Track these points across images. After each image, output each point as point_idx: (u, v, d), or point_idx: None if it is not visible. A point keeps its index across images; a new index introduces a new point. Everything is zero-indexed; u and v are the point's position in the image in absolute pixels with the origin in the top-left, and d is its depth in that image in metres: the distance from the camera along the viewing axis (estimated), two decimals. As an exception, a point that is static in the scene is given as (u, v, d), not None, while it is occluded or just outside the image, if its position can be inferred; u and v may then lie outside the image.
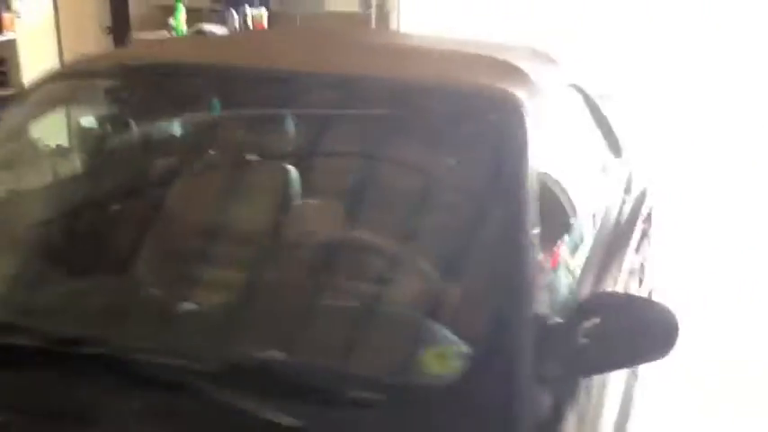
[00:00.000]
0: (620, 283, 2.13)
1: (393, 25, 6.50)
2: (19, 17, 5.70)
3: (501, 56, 2.36)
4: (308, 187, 2.00)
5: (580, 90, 2.66)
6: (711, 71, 6.38)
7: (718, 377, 3.42)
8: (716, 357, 3.56)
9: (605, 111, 2.87)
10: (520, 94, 1.99)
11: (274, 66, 1.99)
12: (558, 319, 1.63)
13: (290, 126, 2.11)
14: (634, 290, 2.32)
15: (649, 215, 2.95)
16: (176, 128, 2.19)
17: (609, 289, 1.97)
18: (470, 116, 1.92)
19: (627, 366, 1.77)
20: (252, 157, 2.14)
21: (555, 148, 2.28)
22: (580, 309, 1.64)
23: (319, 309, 1.61)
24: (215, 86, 2.04)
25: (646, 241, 2.74)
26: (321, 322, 1.56)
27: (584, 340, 1.59)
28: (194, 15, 6.45)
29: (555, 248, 1.98)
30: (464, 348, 1.53)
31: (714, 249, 4.70)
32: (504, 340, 1.53)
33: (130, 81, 2.15)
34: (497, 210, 1.74)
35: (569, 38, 5.91)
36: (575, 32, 6.17)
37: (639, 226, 2.69)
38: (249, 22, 5.72)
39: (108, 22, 6.85)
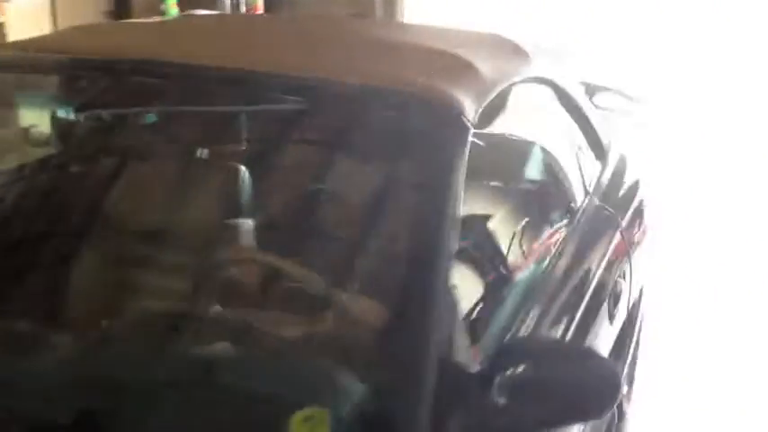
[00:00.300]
0: (579, 315, 1.84)
1: (399, 9, 6.21)
2: (7, 3, 5.52)
3: (455, 47, 2.08)
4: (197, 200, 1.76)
5: (552, 85, 2.36)
6: (728, 72, 6.03)
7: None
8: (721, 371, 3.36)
9: (587, 108, 2.57)
10: (459, 93, 1.71)
11: (171, 59, 1.74)
12: (472, 370, 1.36)
13: (185, 126, 1.88)
14: (599, 325, 2.02)
15: (639, 224, 2.64)
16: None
17: (555, 327, 1.69)
18: (392, 120, 1.65)
19: (553, 428, 1.49)
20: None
21: (504, 153, 2.00)
22: (500, 358, 1.37)
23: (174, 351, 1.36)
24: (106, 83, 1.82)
25: (627, 258, 2.43)
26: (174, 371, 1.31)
27: (500, 397, 1.32)
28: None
29: (490, 276, 1.71)
30: (348, 407, 1.27)
31: (723, 260, 4.38)
32: (396, 398, 1.26)
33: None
34: (411, 233, 1.47)
35: (581, 32, 5.61)
36: (587, 27, 5.85)
37: (620, 239, 2.38)
38: (242, 8, 5.49)
39: (108, 6, 6.68)
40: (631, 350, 2.84)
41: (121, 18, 6.63)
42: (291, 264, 1.50)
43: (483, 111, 1.77)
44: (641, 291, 2.85)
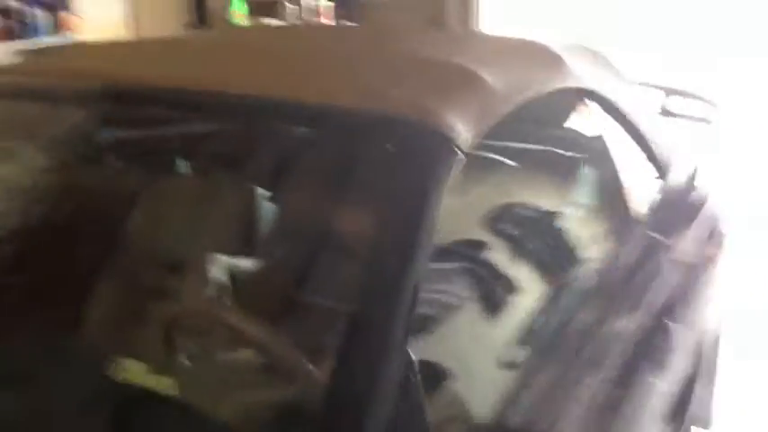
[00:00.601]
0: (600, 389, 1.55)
1: (473, 16, 5.95)
2: (80, 17, 5.59)
3: (472, 56, 1.83)
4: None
5: (595, 96, 2.06)
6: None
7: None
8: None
9: (640, 119, 2.25)
10: (452, 114, 1.45)
11: (138, 82, 1.58)
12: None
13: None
14: (639, 391, 1.70)
15: (709, 244, 2.30)
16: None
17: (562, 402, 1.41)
18: (375, 146, 1.42)
19: None
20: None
21: (517, 182, 1.74)
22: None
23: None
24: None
25: (685, 293, 2.09)
26: None
27: None
28: (266, 7, 6.17)
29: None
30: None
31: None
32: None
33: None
34: (371, 287, 1.24)
35: (666, 36, 5.17)
36: (673, 30, 5.39)
37: (673, 272, 2.06)
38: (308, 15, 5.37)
39: (187, 18, 6.69)
40: (702, 392, 2.50)
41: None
42: (244, 323, 1.30)
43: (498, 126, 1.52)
44: (712, 324, 2.50)
